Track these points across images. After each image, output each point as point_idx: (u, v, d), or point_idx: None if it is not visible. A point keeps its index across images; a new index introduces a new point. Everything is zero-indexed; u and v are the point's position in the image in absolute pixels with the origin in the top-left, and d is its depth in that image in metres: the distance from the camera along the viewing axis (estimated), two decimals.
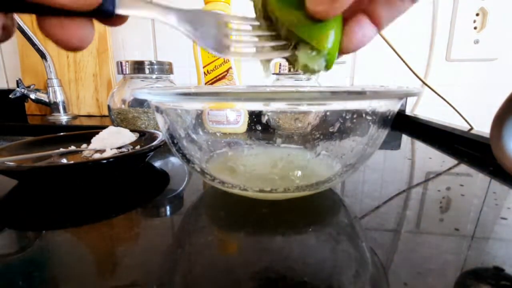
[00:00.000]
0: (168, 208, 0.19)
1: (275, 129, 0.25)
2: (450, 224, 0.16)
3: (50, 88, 0.62)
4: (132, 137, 0.30)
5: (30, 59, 0.66)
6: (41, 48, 0.59)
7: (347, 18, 0.13)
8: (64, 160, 0.28)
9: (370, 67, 0.59)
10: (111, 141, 0.28)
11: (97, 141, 0.29)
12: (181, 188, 0.23)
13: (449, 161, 0.29)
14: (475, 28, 0.54)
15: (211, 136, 0.25)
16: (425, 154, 0.33)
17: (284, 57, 0.14)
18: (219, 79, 0.39)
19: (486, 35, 0.53)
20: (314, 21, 0.12)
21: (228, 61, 0.39)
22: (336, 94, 0.14)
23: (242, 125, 0.32)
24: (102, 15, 0.11)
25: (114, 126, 0.32)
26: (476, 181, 0.24)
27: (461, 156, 0.31)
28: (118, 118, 0.42)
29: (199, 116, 0.20)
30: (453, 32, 0.54)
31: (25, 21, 0.58)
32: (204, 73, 0.40)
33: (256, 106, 0.20)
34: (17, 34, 0.66)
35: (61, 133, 0.32)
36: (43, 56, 0.60)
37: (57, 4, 0.10)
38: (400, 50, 0.43)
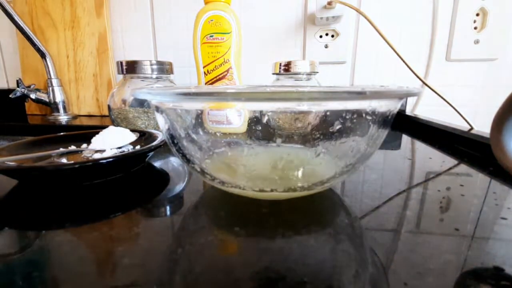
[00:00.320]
0: (168, 208, 0.19)
1: (275, 129, 0.25)
2: (450, 224, 0.16)
3: (50, 88, 0.62)
4: (132, 137, 0.30)
5: (30, 59, 0.66)
6: (41, 48, 0.59)
7: None
8: (64, 160, 0.28)
9: (370, 67, 0.60)
10: (111, 141, 0.28)
11: (97, 141, 0.29)
12: (181, 188, 0.23)
13: (449, 161, 0.29)
14: (475, 28, 0.54)
15: (211, 136, 0.25)
16: (425, 154, 0.33)
17: None
18: (219, 79, 0.39)
19: (486, 35, 0.53)
20: None
21: (228, 61, 0.39)
22: (336, 94, 0.14)
23: (242, 125, 0.32)
24: None
25: (114, 126, 0.32)
26: (476, 181, 0.24)
27: (461, 156, 0.31)
28: (118, 118, 0.42)
29: (199, 116, 0.20)
30: (453, 32, 0.54)
31: (25, 21, 0.58)
32: (204, 73, 0.40)
33: (256, 106, 0.20)
34: (17, 34, 0.66)
35: (61, 133, 0.32)
36: (43, 56, 0.60)
37: None
38: (400, 50, 0.43)
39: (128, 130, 0.30)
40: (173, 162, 0.30)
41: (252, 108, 0.23)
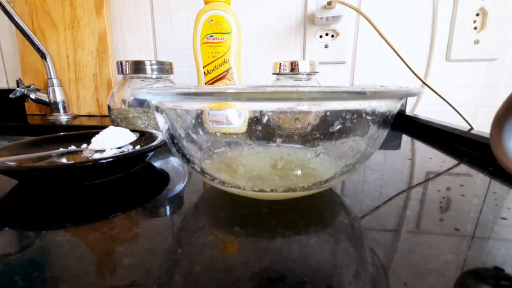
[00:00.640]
0: (168, 208, 0.19)
1: (275, 129, 0.25)
2: (450, 224, 0.16)
3: (50, 88, 0.62)
4: (132, 137, 0.30)
5: (30, 59, 0.66)
6: (41, 48, 0.59)
7: None
8: (64, 160, 0.28)
9: (370, 67, 0.60)
10: (111, 141, 0.28)
11: (97, 141, 0.29)
12: (181, 188, 0.23)
13: (449, 161, 0.29)
14: (475, 28, 0.54)
15: (211, 136, 0.25)
16: (425, 154, 0.33)
17: None
18: (219, 79, 0.40)
19: (486, 35, 0.53)
20: None
21: (228, 61, 0.39)
22: (336, 94, 0.14)
23: (242, 125, 0.32)
24: None
25: (114, 126, 0.32)
26: (476, 181, 0.24)
27: (461, 156, 0.31)
28: (118, 118, 0.42)
29: (199, 116, 0.20)
30: (453, 32, 0.54)
31: (25, 21, 0.58)
32: (204, 73, 0.40)
33: (256, 106, 0.20)
34: (17, 34, 0.66)
35: (61, 133, 0.32)
36: (43, 56, 0.60)
37: None
38: (400, 50, 0.43)
39: (128, 130, 0.30)
40: (173, 162, 0.30)
41: (252, 108, 0.23)
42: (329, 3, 0.51)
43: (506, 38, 0.53)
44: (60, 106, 0.63)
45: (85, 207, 0.19)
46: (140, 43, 0.66)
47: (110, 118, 0.44)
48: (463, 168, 0.27)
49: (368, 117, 0.17)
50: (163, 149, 0.35)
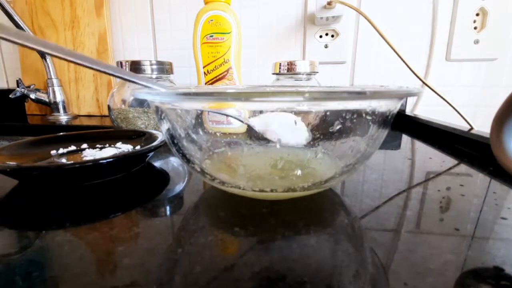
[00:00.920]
0: (168, 208, 0.19)
1: None
2: (450, 224, 0.16)
3: (50, 88, 0.62)
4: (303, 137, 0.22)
5: (30, 59, 0.66)
6: None
7: None
8: (64, 160, 0.28)
9: (370, 67, 0.60)
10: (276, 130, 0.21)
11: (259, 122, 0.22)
12: (181, 188, 0.23)
13: (449, 161, 0.29)
14: (475, 28, 0.54)
15: (211, 136, 0.25)
16: (425, 154, 0.33)
17: None
18: (219, 79, 0.40)
19: (486, 35, 0.53)
20: None
21: (228, 61, 0.39)
22: (336, 94, 0.14)
23: (242, 125, 0.32)
24: None
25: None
26: (476, 181, 0.24)
27: (461, 156, 0.31)
28: (118, 118, 0.42)
29: (199, 116, 0.20)
30: (453, 32, 0.54)
31: (25, 21, 0.58)
32: (204, 73, 0.40)
33: (256, 106, 0.20)
34: None
35: (61, 133, 0.32)
36: (43, 56, 0.60)
37: None
38: (400, 50, 0.43)
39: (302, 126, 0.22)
40: (173, 162, 0.30)
41: (252, 108, 0.23)
42: (329, 3, 0.51)
43: (506, 38, 0.53)
44: (60, 106, 0.63)
45: (85, 207, 0.19)
46: (140, 43, 0.66)
47: (110, 118, 0.44)
48: (463, 168, 0.27)
49: (368, 117, 0.17)
50: (163, 149, 0.35)
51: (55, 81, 0.62)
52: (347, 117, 0.17)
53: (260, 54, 0.62)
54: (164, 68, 0.43)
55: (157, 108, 0.18)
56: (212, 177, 0.19)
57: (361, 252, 0.14)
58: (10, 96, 0.62)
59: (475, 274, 0.12)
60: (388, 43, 0.43)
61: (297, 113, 0.25)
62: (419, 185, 0.23)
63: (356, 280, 0.12)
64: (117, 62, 0.41)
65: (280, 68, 0.44)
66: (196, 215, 0.18)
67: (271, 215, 0.17)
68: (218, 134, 0.25)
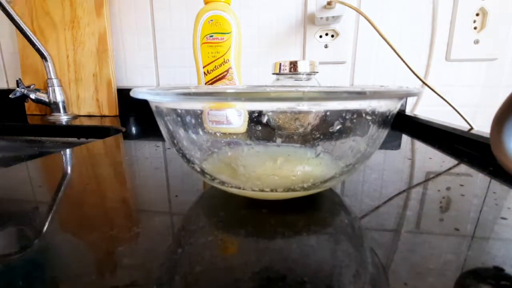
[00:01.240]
0: (168, 208, 0.19)
1: (275, 129, 0.25)
2: (450, 224, 0.16)
3: (50, 88, 0.62)
4: None
5: (30, 59, 0.66)
6: (41, 48, 0.59)
7: None
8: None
9: (370, 67, 0.60)
10: None
11: None
12: (181, 188, 0.23)
13: (449, 161, 0.29)
14: (475, 28, 0.54)
15: (211, 136, 0.25)
16: (425, 154, 0.33)
17: None
18: (219, 79, 0.40)
19: (486, 35, 0.53)
20: None
21: (228, 61, 0.39)
22: (336, 94, 0.14)
23: (242, 125, 0.32)
24: None
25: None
26: (476, 181, 0.24)
27: (461, 156, 0.31)
28: None
29: (199, 116, 0.20)
30: (453, 32, 0.54)
31: (25, 21, 0.58)
32: (204, 73, 0.40)
33: (256, 106, 0.20)
34: (17, 34, 0.66)
35: None
36: (43, 56, 0.60)
37: None
38: (400, 50, 0.43)
39: None
40: (173, 162, 0.30)
41: (252, 108, 0.23)
42: (329, 3, 0.51)
43: (506, 38, 0.53)
44: (60, 106, 0.63)
45: (85, 206, 0.19)
46: (140, 43, 0.66)
47: None
48: (463, 168, 0.27)
49: (368, 117, 0.17)
50: (163, 148, 0.35)
51: (55, 81, 0.62)
52: (347, 117, 0.17)
53: (260, 54, 0.62)
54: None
55: (157, 108, 0.18)
56: (212, 177, 0.19)
57: (361, 252, 0.14)
58: (10, 96, 0.62)
59: (475, 274, 0.12)
60: (388, 43, 0.43)
61: (297, 113, 0.25)
62: (419, 185, 0.23)
63: (356, 280, 0.12)
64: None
65: (280, 68, 0.44)
66: (196, 215, 0.18)
67: (271, 215, 0.17)
68: (218, 134, 0.25)
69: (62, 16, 0.63)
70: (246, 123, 0.31)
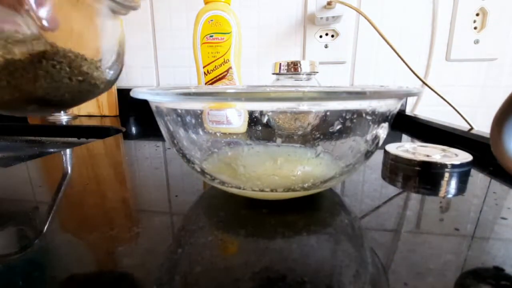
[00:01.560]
0: (168, 208, 0.19)
1: (275, 129, 0.25)
2: (450, 224, 0.16)
3: None
4: None
5: None
6: None
7: None
8: None
9: (370, 67, 0.60)
10: None
11: None
12: (181, 188, 0.23)
13: None
14: (475, 28, 0.54)
15: (211, 136, 0.25)
16: None
17: None
18: (219, 79, 0.40)
19: (486, 35, 0.53)
20: None
21: (228, 61, 0.39)
22: (336, 94, 0.14)
23: (242, 125, 0.32)
24: None
25: None
26: (476, 181, 0.24)
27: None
28: None
29: (199, 116, 0.20)
30: (453, 32, 0.54)
31: None
32: (204, 73, 0.40)
33: (256, 106, 0.20)
34: None
35: None
36: None
37: None
38: (400, 50, 0.43)
39: None
40: (173, 162, 0.30)
41: (252, 108, 0.23)
42: (329, 3, 0.51)
43: (506, 38, 0.53)
44: None
45: (85, 206, 0.19)
46: (140, 43, 0.66)
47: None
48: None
49: (368, 117, 0.17)
50: (163, 148, 0.35)
51: None
52: (347, 117, 0.17)
53: (260, 54, 0.62)
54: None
55: (157, 108, 0.18)
56: (212, 177, 0.19)
57: (361, 252, 0.14)
58: None
59: (475, 274, 0.12)
60: (388, 43, 0.43)
61: (297, 113, 0.25)
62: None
63: (356, 280, 0.12)
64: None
65: (280, 68, 0.44)
66: (196, 215, 0.18)
67: (271, 215, 0.17)
68: (218, 134, 0.25)
69: None
70: (246, 123, 0.31)
